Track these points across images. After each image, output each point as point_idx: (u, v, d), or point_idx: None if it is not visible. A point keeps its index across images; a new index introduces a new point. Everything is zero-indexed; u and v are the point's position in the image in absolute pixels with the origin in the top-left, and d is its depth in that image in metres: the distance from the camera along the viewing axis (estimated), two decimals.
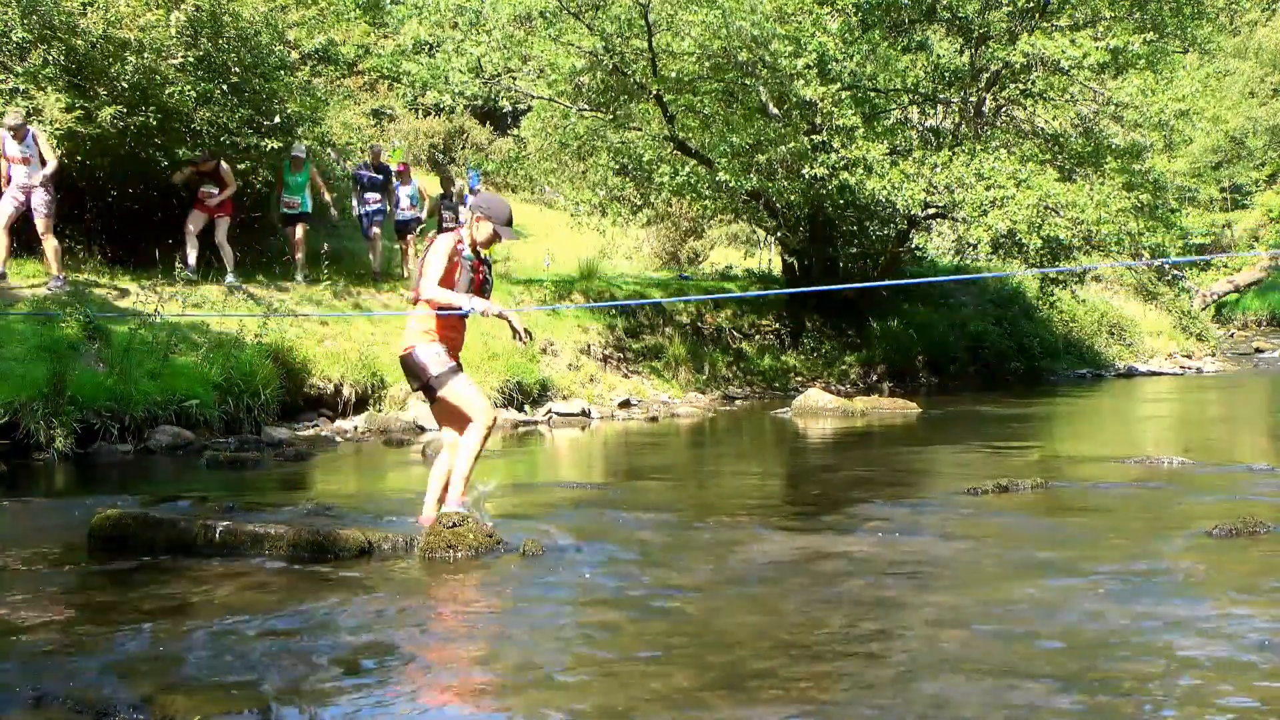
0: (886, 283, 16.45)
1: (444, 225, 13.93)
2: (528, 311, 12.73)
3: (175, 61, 11.84)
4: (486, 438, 5.06)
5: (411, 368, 5.10)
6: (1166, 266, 27.12)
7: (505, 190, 24.55)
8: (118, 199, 12.68)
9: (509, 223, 5.15)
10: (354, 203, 14.07)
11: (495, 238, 5.15)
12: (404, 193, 14.13)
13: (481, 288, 5.13)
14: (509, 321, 5.07)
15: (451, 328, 5.12)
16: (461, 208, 14.62)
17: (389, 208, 14.23)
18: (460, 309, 4.96)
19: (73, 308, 9.79)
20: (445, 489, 5.18)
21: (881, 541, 5.04)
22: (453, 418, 5.16)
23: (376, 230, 13.91)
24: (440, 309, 5.00)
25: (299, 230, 12.93)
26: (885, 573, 4.46)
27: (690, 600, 4.05)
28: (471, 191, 21.01)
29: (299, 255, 12.91)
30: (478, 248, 5.15)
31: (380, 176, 13.88)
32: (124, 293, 11.07)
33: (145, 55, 11.43)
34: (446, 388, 5.02)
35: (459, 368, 5.08)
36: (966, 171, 13.80)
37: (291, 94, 13.53)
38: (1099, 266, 19.08)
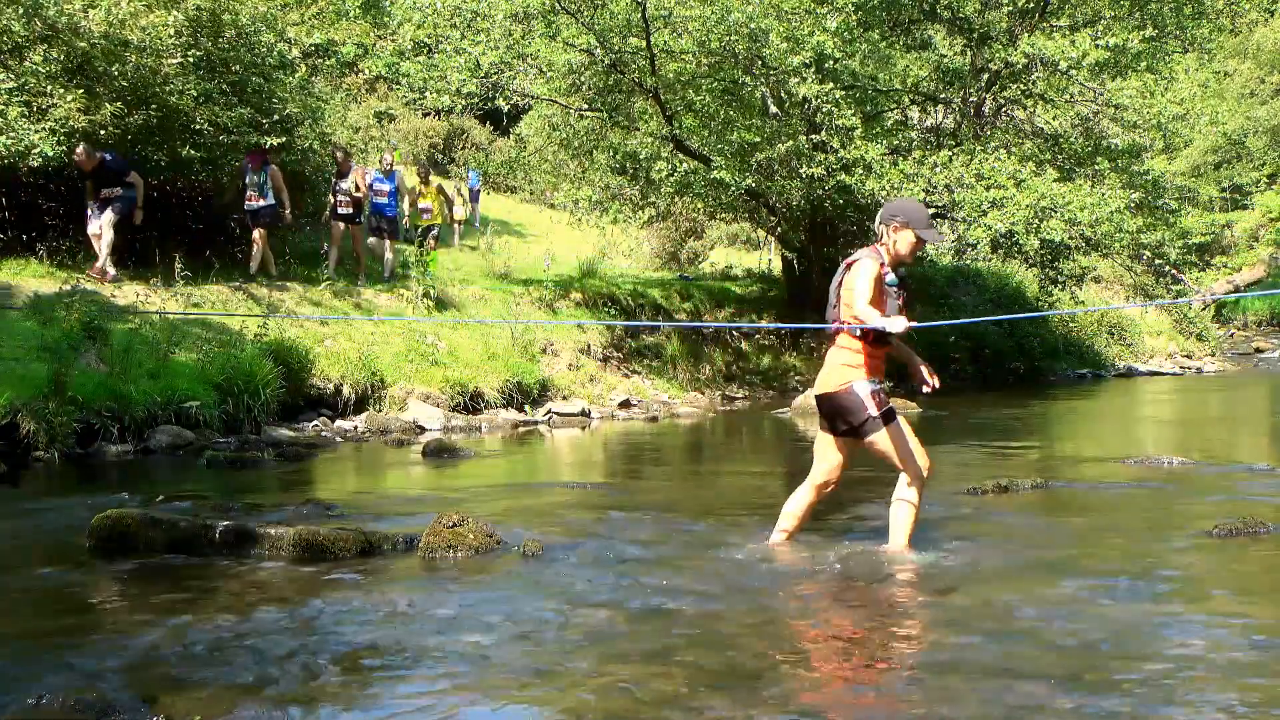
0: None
1: (338, 210, 13.30)
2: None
3: (175, 61, 11.85)
4: (922, 487, 4.68)
5: (843, 406, 4.57)
6: (1166, 270, 27.16)
7: (505, 191, 24.57)
8: None
9: (930, 224, 4.62)
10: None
11: (919, 245, 4.61)
12: (251, 181, 12.56)
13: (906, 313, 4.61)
14: (919, 368, 4.69)
15: (879, 359, 4.64)
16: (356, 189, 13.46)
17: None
18: (884, 328, 4.40)
19: (75, 307, 9.80)
20: (800, 523, 4.84)
21: (881, 541, 5.04)
22: (847, 457, 4.72)
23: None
24: (866, 332, 4.51)
25: None
26: (885, 573, 4.46)
27: (690, 600, 4.05)
28: (472, 192, 20.64)
29: None
30: (900, 264, 4.60)
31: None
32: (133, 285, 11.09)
33: (145, 55, 11.44)
34: (879, 433, 4.54)
35: (894, 412, 4.61)
36: (966, 172, 13.81)
37: (291, 94, 13.52)
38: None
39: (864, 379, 4.56)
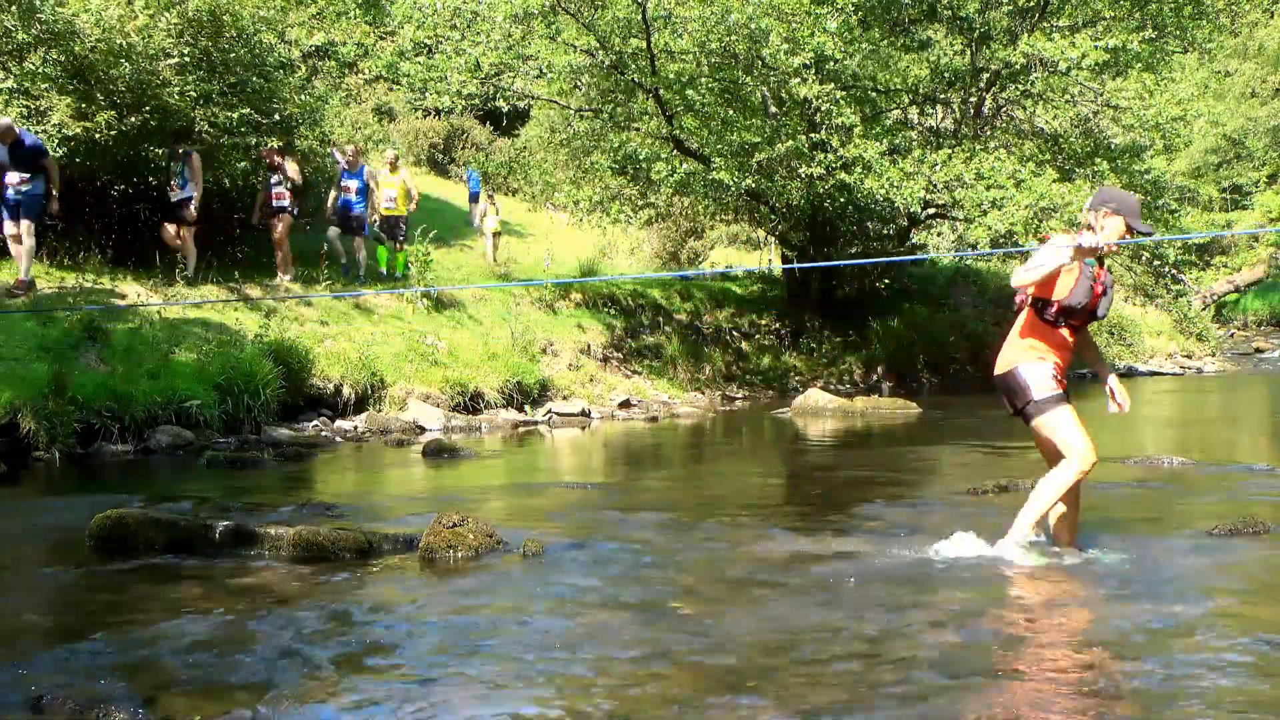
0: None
1: (276, 206, 12.80)
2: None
3: (173, 61, 11.85)
4: (1079, 480, 4.42)
5: (1010, 387, 4.50)
6: (1166, 270, 27.15)
7: (505, 192, 24.54)
8: (119, 199, 12.69)
9: (1139, 214, 4.47)
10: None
11: (1128, 235, 4.43)
12: (170, 169, 11.91)
13: (1099, 302, 4.43)
14: (1109, 383, 4.56)
15: (1059, 345, 4.48)
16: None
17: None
18: (1063, 260, 4.22)
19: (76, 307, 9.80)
20: (1062, 526, 4.64)
21: (882, 541, 5.04)
22: (1049, 449, 4.55)
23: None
24: (1041, 309, 4.42)
25: None
26: (885, 573, 4.46)
27: (690, 601, 4.04)
28: (471, 194, 20.48)
29: None
30: (1101, 250, 4.37)
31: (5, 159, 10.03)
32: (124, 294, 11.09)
33: (144, 59, 11.44)
34: (1043, 417, 4.41)
35: (1065, 397, 4.44)
36: (966, 170, 13.82)
37: (291, 94, 13.52)
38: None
39: (1033, 360, 4.44)
